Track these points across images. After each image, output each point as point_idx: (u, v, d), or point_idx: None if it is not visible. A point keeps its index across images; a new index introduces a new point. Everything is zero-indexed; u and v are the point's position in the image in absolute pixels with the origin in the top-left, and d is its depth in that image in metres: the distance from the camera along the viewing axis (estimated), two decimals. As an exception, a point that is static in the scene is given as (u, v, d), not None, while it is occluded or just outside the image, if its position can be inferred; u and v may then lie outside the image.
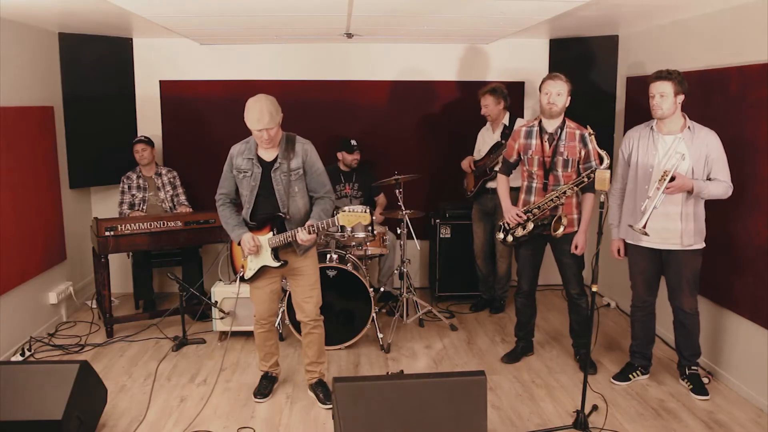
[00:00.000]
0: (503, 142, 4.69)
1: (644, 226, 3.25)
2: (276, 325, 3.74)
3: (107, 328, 4.51)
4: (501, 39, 5.15)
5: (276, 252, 3.32)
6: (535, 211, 3.70)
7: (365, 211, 3.17)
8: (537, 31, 4.77)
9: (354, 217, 3.15)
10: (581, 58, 5.16)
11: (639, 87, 4.71)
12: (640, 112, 4.62)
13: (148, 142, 4.92)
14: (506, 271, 4.96)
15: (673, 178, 3.26)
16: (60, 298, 4.69)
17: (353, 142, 4.92)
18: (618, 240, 3.73)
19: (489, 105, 4.65)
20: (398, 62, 5.37)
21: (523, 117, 5.29)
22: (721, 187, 3.34)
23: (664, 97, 3.34)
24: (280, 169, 3.27)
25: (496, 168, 4.71)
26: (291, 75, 5.32)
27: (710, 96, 3.73)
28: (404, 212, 4.47)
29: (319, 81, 5.33)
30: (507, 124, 4.74)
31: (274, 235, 3.29)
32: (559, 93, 3.61)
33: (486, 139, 4.87)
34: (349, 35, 4.67)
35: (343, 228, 4.28)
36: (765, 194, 3.36)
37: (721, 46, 3.73)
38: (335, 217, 3.17)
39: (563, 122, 3.68)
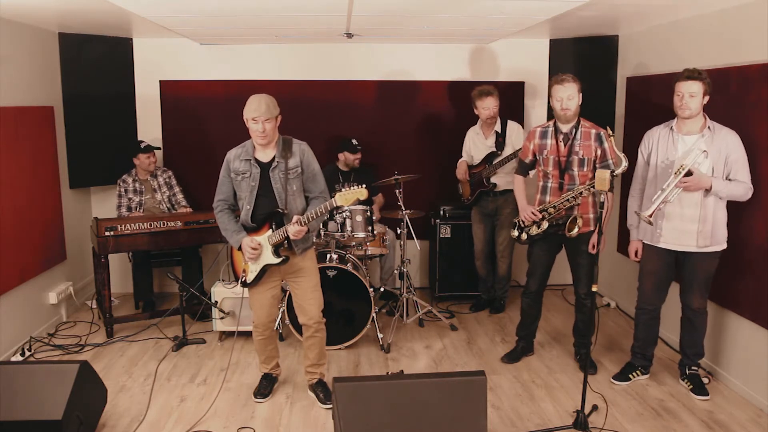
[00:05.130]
0: (498, 152, 4.68)
1: (650, 215, 3.23)
2: (276, 326, 3.74)
3: (107, 328, 4.51)
4: (501, 39, 5.15)
5: (276, 249, 3.32)
6: (551, 210, 3.69)
7: (362, 187, 3.15)
8: (537, 31, 4.77)
9: (351, 194, 3.13)
10: (581, 58, 5.16)
11: (639, 87, 4.72)
12: (640, 112, 4.63)
13: (155, 148, 4.91)
14: (506, 272, 4.95)
15: (689, 173, 3.24)
16: (60, 298, 4.69)
17: (355, 141, 4.93)
18: (637, 241, 3.70)
19: (493, 107, 4.61)
20: (398, 62, 5.37)
21: (521, 121, 5.28)
22: (741, 187, 3.31)
23: (694, 97, 3.31)
24: (278, 168, 3.30)
25: (493, 179, 4.70)
26: (291, 75, 5.32)
27: (710, 96, 3.72)
28: (404, 212, 4.47)
29: (319, 81, 5.33)
30: (499, 131, 4.72)
31: (273, 231, 3.29)
32: (570, 97, 3.58)
33: (477, 143, 4.84)
34: (349, 35, 4.67)
35: (343, 213, 4.28)
36: (765, 194, 3.36)
37: (721, 46, 3.73)
38: (332, 199, 3.17)
39: (578, 122, 3.67)
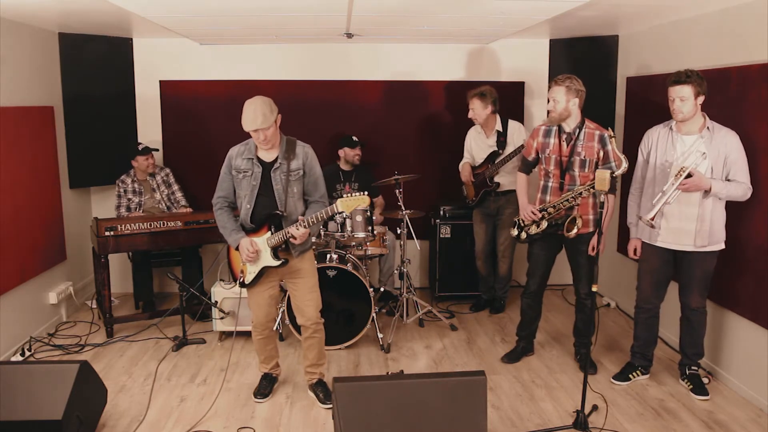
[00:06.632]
0: (500, 151, 4.68)
1: (652, 218, 3.23)
2: (276, 325, 3.74)
3: (107, 328, 4.51)
4: (501, 39, 5.15)
5: (275, 251, 3.32)
6: (550, 210, 3.70)
7: (363, 194, 3.15)
8: (537, 31, 4.77)
9: (353, 201, 3.13)
10: (581, 58, 5.15)
11: (639, 87, 4.72)
12: (640, 112, 4.63)
13: (152, 150, 4.90)
14: (507, 272, 4.95)
15: (689, 175, 3.24)
16: (60, 298, 4.69)
17: (355, 138, 4.94)
18: (636, 239, 3.72)
19: (476, 109, 4.61)
20: (398, 62, 5.37)
21: (521, 120, 5.28)
22: (741, 188, 3.31)
23: (685, 101, 3.30)
24: (280, 169, 3.28)
25: (496, 179, 4.70)
26: (291, 75, 5.32)
27: (710, 96, 3.71)
28: (404, 212, 4.47)
29: (319, 81, 5.33)
30: (501, 130, 4.72)
31: (272, 233, 3.29)
32: (555, 99, 3.61)
33: (479, 143, 4.84)
34: (349, 35, 4.67)
35: (342, 214, 4.28)
36: (765, 194, 3.36)
37: (721, 46, 3.73)
38: (333, 204, 3.16)
39: (582, 122, 3.67)
